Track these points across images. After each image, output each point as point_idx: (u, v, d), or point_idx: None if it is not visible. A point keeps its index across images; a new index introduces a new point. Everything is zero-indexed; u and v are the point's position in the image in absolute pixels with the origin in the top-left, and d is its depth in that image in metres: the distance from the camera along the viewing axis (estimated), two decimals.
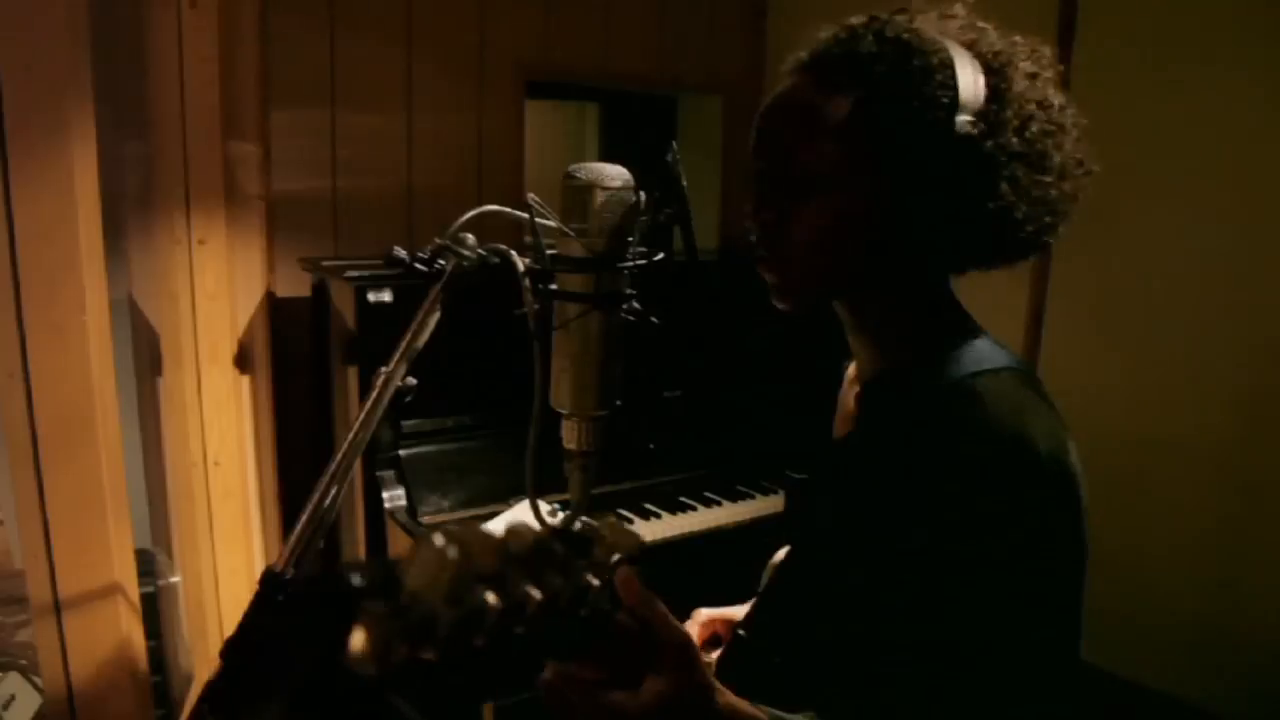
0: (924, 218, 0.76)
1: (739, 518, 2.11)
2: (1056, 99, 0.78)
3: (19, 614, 2.12)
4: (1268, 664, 1.82)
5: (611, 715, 0.56)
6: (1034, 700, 0.71)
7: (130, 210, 2.26)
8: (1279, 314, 1.82)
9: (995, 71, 0.76)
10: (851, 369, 0.99)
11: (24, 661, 2.08)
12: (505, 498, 1.93)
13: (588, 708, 0.57)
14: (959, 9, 0.82)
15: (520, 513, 1.69)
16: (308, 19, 2.23)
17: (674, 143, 0.80)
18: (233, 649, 0.53)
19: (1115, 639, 2.05)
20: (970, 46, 0.78)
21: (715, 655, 1.06)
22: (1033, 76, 0.78)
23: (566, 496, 0.88)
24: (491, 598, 0.41)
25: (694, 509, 2.12)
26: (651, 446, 2.18)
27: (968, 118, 0.74)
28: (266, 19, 2.16)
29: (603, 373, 0.85)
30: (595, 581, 0.47)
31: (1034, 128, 0.76)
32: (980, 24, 0.81)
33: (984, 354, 0.80)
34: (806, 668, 0.86)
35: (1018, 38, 0.80)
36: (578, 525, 0.49)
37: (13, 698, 2.03)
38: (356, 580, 0.40)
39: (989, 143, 0.74)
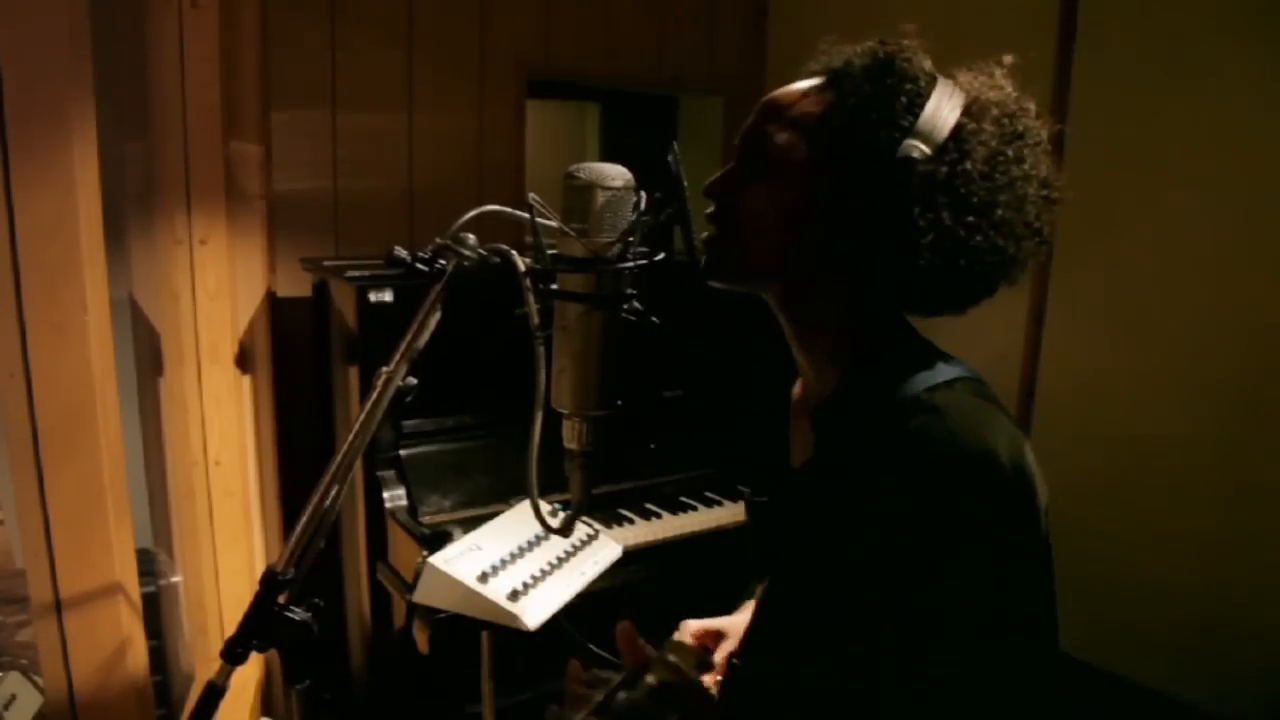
0: (844, 223, 0.80)
1: (740, 517, 2.09)
2: (1030, 161, 0.79)
3: (19, 614, 2.12)
4: (1267, 663, 1.82)
5: None
6: (1021, 704, 0.73)
7: (131, 210, 2.26)
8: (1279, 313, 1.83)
9: (972, 115, 0.78)
10: (797, 388, 0.99)
11: (24, 661, 2.08)
12: (506, 498, 1.93)
13: None
14: (1000, 68, 0.83)
15: (521, 513, 1.69)
16: (308, 19, 2.24)
17: (674, 143, 0.80)
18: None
19: (1115, 638, 2.05)
20: (969, 91, 0.80)
21: (706, 679, 1.05)
22: (1014, 135, 0.78)
23: (567, 496, 0.88)
24: None
25: (695, 509, 2.12)
26: (652, 446, 2.18)
27: (918, 143, 0.76)
28: (267, 19, 2.16)
29: (603, 373, 0.85)
30: None
31: (974, 171, 0.76)
32: (1002, 82, 0.82)
33: (934, 366, 0.81)
34: (805, 694, 0.87)
35: (1030, 104, 0.81)
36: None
37: (13, 698, 2.03)
38: None
39: (923, 168, 0.75)
